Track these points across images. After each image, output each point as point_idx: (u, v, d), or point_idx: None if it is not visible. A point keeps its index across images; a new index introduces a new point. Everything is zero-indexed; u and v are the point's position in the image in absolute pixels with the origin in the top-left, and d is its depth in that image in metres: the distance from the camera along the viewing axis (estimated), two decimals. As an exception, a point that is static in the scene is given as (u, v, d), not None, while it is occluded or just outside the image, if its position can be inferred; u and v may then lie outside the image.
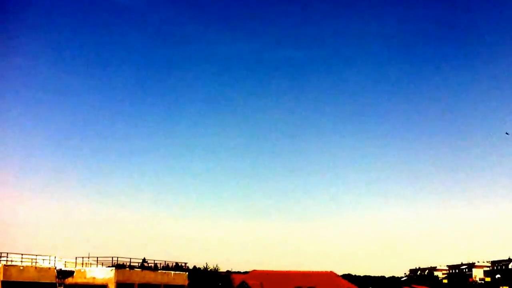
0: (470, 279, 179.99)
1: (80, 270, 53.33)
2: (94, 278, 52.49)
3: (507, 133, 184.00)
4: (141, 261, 59.68)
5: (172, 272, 61.40)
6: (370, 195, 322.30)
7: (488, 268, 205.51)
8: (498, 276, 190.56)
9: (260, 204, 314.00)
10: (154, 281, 57.34)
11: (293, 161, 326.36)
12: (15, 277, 47.54)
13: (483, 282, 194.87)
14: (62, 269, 52.70)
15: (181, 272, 61.47)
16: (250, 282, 70.63)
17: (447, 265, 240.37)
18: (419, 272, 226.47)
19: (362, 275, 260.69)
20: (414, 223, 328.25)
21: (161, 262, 61.79)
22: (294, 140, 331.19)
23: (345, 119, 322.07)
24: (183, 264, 64.11)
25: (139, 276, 55.58)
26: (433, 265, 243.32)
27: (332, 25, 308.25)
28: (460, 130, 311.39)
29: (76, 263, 55.63)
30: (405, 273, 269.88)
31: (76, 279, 52.62)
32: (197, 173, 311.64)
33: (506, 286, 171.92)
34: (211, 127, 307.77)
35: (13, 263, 49.12)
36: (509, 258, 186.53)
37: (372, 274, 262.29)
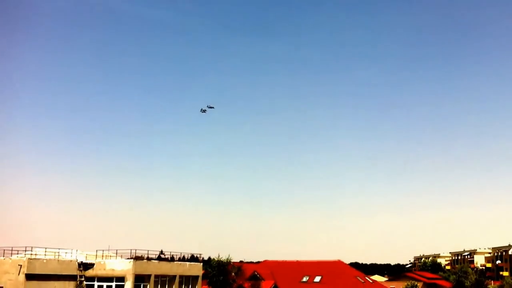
0: (472, 265, 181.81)
1: (100, 262, 54.88)
2: (113, 269, 54.06)
3: None
4: (158, 253, 61.36)
5: (188, 263, 63.14)
6: (376, 185, 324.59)
7: (489, 255, 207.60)
8: (498, 262, 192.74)
9: (270, 196, 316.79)
10: (170, 271, 58.88)
11: (300, 152, 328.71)
12: (38, 269, 49.22)
13: (484, 268, 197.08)
14: (83, 262, 54.32)
15: (196, 263, 63.12)
16: (261, 272, 72.29)
17: (450, 252, 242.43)
18: (423, 259, 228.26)
19: (368, 263, 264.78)
20: (420, 212, 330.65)
21: (177, 254, 63.59)
22: (299, 133, 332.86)
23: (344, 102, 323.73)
24: (198, 255, 65.83)
25: (155, 267, 57.13)
26: (436, 253, 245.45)
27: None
28: (460, 119, 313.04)
29: (96, 255, 57.31)
30: (409, 261, 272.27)
31: (96, 271, 54.17)
32: (206, 165, 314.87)
33: (506, 272, 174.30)
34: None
35: (37, 257, 50.85)
36: (509, 245, 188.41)
37: (378, 262, 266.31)
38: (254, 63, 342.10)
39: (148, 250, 57.84)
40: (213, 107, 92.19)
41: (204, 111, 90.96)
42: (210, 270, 65.21)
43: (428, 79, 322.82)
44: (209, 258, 76.16)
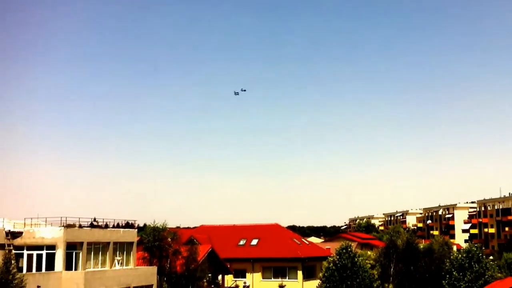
0: (404, 225, 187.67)
1: (29, 231, 52.86)
2: (43, 238, 52.17)
3: None
4: (90, 220, 59.70)
5: (122, 229, 61.71)
6: (311, 150, 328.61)
7: (420, 215, 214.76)
8: (429, 222, 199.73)
9: (207, 160, 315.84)
10: (103, 238, 57.33)
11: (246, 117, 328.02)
12: (-39, 238, 47.12)
13: (415, 227, 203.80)
14: (11, 230, 52.23)
15: (130, 229, 61.85)
16: (198, 236, 71.77)
17: (383, 214, 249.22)
18: (357, 221, 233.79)
19: (305, 226, 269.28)
20: (354, 175, 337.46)
21: (111, 221, 62.07)
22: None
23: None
24: (133, 222, 64.59)
25: (88, 235, 55.48)
26: (370, 214, 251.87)
27: None
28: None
29: (25, 224, 55.16)
30: (344, 222, 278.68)
31: (25, 239, 52.15)
32: (147, 130, 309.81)
33: (436, 231, 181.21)
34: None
35: (-39, 225, 48.58)
36: (439, 205, 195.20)
37: (315, 225, 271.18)
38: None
39: (79, 218, 56.16)
40: (245, 90, 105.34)
41: (237, 93, 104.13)
42: (145, 236, 64.11)
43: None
44: (145, 225, 75.09)
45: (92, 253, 55.44)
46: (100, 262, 55.69)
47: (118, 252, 58.28)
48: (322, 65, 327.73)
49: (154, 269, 58.53)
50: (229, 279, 71.11)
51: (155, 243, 61.94)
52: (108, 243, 57.36)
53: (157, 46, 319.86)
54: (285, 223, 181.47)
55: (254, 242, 77.06)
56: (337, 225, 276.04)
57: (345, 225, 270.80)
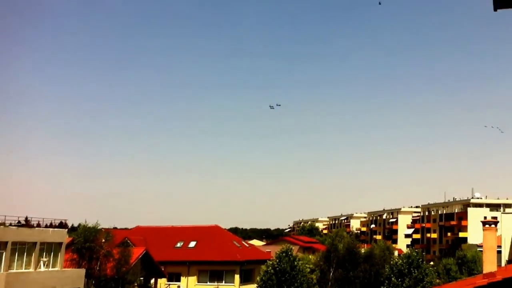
0: (348, 229, 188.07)
1: None
2: (-37, 237, 48.95)
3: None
4: (18, 219, 56.67)
5: (50, 229, 58.71)
6: (256, 152, 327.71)
7: (364, 219, 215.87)
8: (373, 226, 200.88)
9: (142, 162, 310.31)
10: (30, 238, 54.17)
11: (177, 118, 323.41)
12: None
13: (359, 231, 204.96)
14: None
15: (60, 229, 58.87)
16: (133, 238, 68.99)
17: (328, 217, 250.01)
18: (302, 223, 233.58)
19: (249, 228, 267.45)
20: (301, 177, 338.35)
21: (39, 220, 59.17)
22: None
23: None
24: (64, 221, 61.73)
25: (14, 234, 52.28)
26: (315, 217, 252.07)
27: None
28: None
29: None
30: (288, 225, 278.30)
31: None
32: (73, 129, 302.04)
33: (379, 235, 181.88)
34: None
35: None
36: (383, 209, 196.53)
37: (259, 227, 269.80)
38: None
39: (5, 216, 53.14)
40: (279, 105, 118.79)
41: (272, 107, 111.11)
42: (76, 237, 61.16)
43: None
44: (80, 225, 71.81)
45: (17, 253, 52.37)
46: (24, 263, 52.61)
47: (45, 253, 55.23)
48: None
49: (82, 271, 55.73)
50: (162, 283, 68.58)
51: (85, 244, 59.09)
52: (35, 243, 54.26)
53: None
54: (228, 225, 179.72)
55: (192, 244, 74.71)
56: (281, 228, 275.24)
57: (289, 228, 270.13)
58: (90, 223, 61.68)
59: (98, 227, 61.23)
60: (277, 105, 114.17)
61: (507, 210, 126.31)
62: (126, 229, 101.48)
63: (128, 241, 65.80)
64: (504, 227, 53.80)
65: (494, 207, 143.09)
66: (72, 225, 63.33)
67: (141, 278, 62.46)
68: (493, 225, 27.86)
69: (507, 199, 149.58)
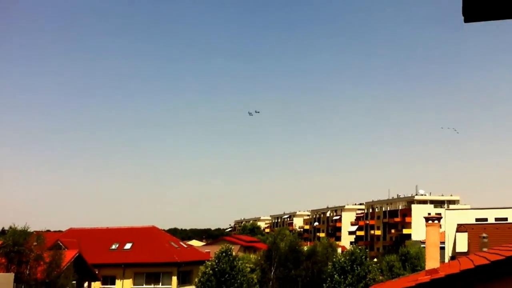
0: (291, 227, 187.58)
1: None
2: None
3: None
4: None
5: (-27, 233, 55.24)
6: (199, 153, 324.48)
7: (308, 217, 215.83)
8: (316, 224, 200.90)
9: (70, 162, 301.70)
10: None
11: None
12: None
13: (302, 230, 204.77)
14: None
15: (-15, 233, 55.45)
16: (65, 241, 65.67)
17: (270, 215, 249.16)
18: (243, 223, 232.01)
19: (188, 228, 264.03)
20: (244, 176, 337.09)
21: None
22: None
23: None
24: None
25: None
26: (257, 216, 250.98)
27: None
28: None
29: None
30: (230, 225, 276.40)
31: None
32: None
33: (323, 233, 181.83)
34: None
35: None
36: (327, 207, 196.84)
37: (199, 228, 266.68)
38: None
39: None
40: (259, 112, 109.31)
41: (250, 114, 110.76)
42: (4, 240, 57.63)
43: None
44: (11, 227, 67.85)
45: None
46: None
47: (-30, 259, 51.90)
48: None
49: (11, 276, 52.06)
50: (96, 287, 65.59)
51: (14, 247, 55.75)
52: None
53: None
54: (167, 226, 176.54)
55: (128, 246, 71.80)
56: (222, 228, 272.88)
57: (230, 228, 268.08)
58: (20, 226, 58.53)
59: (28, 230, 58.09)
60: (256, 111, 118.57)
61: (452, 206, 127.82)
62: (59, 231, 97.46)
63: (60, 244, 62.70)
64: (448, 223, 53.37)
65: (438, 203, 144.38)
66: (3, 228, 59.66)
67: (74, 282, 59.55)
68: (436, 221, 26.94)
69: (451, 195, 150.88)
